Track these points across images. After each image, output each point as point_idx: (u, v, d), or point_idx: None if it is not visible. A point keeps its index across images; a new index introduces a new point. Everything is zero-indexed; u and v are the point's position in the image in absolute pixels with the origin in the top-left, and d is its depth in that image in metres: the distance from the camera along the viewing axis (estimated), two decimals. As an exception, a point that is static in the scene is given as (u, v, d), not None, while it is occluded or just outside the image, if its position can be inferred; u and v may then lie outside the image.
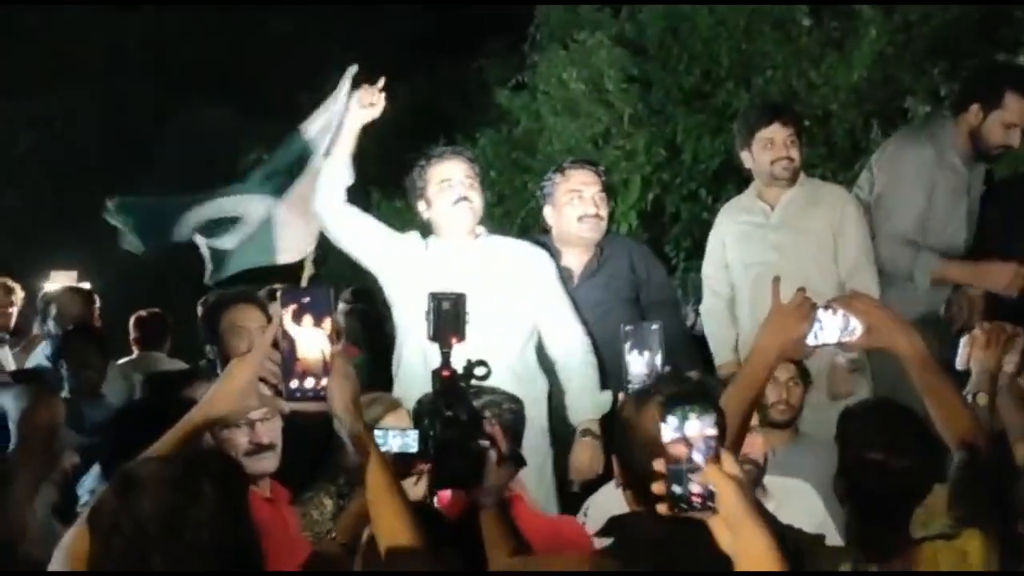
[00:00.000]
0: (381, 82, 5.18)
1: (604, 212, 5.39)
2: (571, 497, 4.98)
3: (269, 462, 3.78)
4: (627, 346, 3.48)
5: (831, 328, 3.18)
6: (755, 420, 4.11)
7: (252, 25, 14.50)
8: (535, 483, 4.92)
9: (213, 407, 2.70)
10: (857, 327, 3.14)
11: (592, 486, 4.78)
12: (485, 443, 2.94)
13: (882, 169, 5.55)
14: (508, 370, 4.95)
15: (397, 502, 2.56)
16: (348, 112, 5.20)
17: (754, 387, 3.09)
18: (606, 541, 2.75)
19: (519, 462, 3.04)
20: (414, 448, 3.04)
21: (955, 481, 3.02)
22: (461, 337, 3.02)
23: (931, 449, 3.11)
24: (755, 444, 4.18)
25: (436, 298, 3.04)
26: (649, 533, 2.65)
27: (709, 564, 2.60)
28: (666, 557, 2.61)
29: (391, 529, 2.54)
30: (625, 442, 2.75)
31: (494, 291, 5.00)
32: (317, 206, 5.28)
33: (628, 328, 3.53)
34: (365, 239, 5.24)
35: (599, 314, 5.29)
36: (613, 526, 2.75)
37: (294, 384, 2.60)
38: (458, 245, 5.15)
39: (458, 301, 3.04)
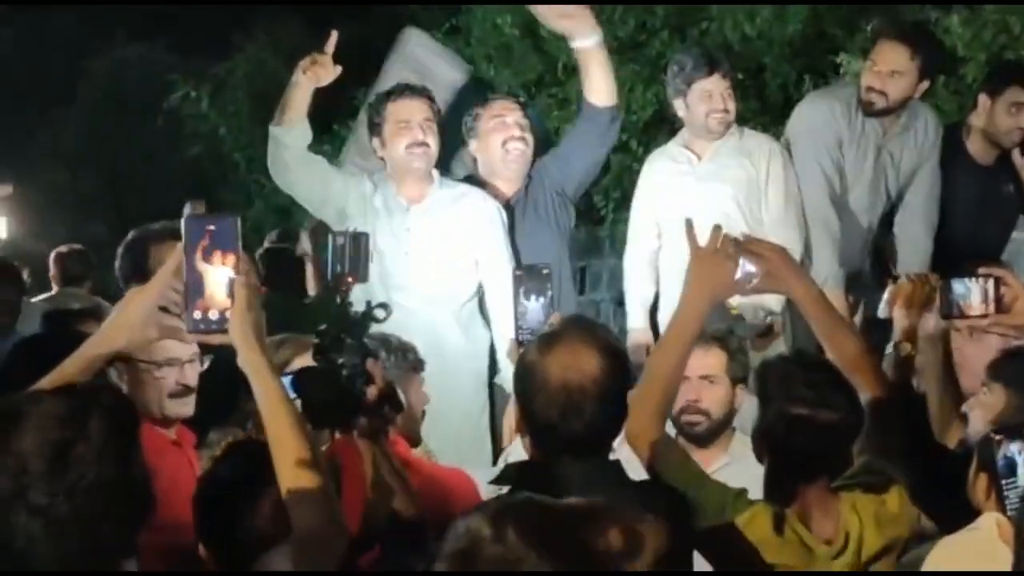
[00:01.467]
0: (332, 39, 4.99)
1: (530, 138, 5.30)
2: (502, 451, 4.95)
3: (189, 406, 3.72)
4: (520, 291, 3.38)
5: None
6: (715, 368, 4.07)
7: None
8: (469, 434, 4.89)
9: (110, 338, 2.61)
10: (754, 271, 3.13)
11: None
12: (363, 380, 2.87)
13: (789, 131, 5.60)
14: (455, 320, 4.92)
15: (299, 441, 2.49)
16: (293, 77, 5.03)
17: (687, 344, 3.05)
18: (503, 489, 2.70)
19: (398, 405, 2.98)
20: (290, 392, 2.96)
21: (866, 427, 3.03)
22: (359, 277, 2.94)
23: (854, 402, 3.09)
24: (714, 395, 4.10)
25: (334, 235, 2.96)
26: (544, 482, 2.60)
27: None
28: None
29: (292, 469, 2.47)
30: (528, 388, 2.69)
31: (442, 240, 4.94)
32: (275, 170, 5.12)
33: (519, 273, 3.44)
34: (324, 188, 5.11)
35: (534, 246, 5.24)
36: (509, 473, 2.71)
37: (197, 315, 2.52)
38: (410, 191, 5.06)
39: (357, 238, 2.96)
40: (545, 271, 3.46)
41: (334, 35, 4.97)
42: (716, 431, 4.17)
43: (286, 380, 2.96)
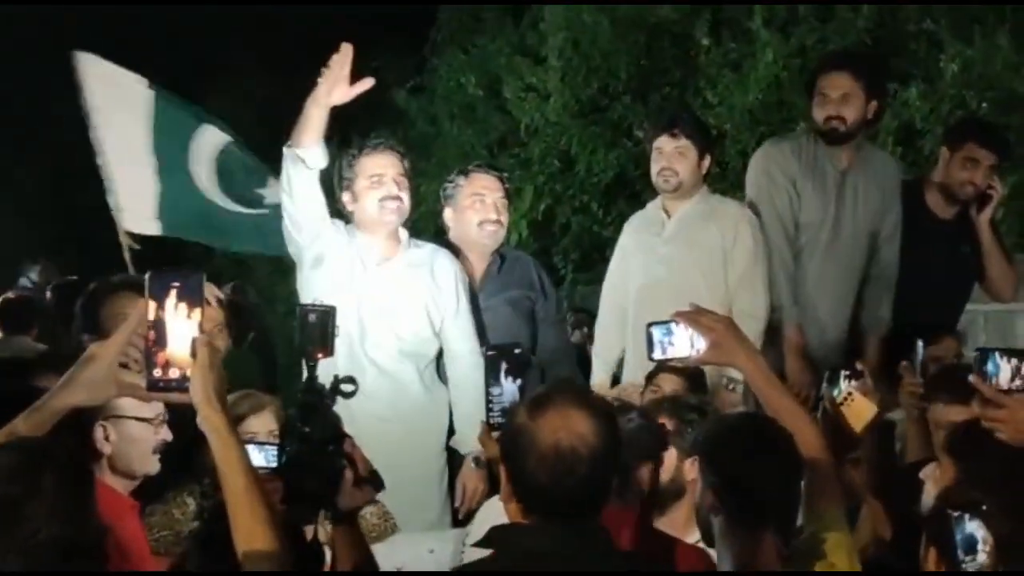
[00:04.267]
0: (348, 53, 4.80)
1: (505, 219, 5.32)
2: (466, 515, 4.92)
3: (157, 464, 3.67)
4: (492, 372, 3.30)
5: (681, 342, 3.19)
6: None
7: (152, 12, 14.29)
8: (429, 494, 4.85)
9: (70, 393, 2.57)
10: (702, 342, 3.16)
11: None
12: (341, 462, 2.85)
13: (748, 177, 5.69)
14: (419, 381, 4.88)
15: (257, 503, 2.47)
16: (313, 94, 4.85)
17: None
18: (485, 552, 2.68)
19: (377, 485, 2.96)
20: (273, 463, 2.93)
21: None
22: (328, 352, 2.92)
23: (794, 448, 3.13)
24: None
25: (304, 310, 2.92)
26: (531, 545, 2.59)
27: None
28: (546, 569, 2.55)
29: (249, 532, 2.45)
30: (518, 451, 2.67)
31: (409, 300, 4.91)
32: (291, 183, 4.96)
33: (491, 353, 3.35)
34: (321, 224, 5.03)
35: (499, 316, 5.23)
36: (493, 536, 2.68)
37: (157, 373, 2.46)
38: (380, 248, 5.03)
39: (326, 314, 2.92)
40: (518, 351, 3.39)
41: (350, 50, 4.79)
42: (666, 499, 4.08)
43: (271, 451, 2.95)
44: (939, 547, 2.80)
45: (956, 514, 2.72)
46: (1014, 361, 3.18)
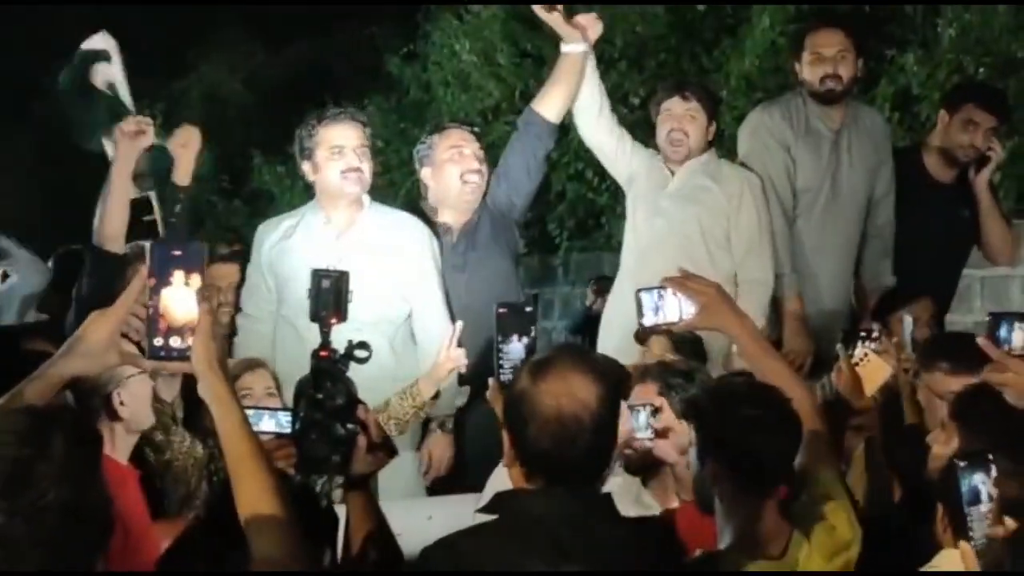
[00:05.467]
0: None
1: (485, 170, 5.28)
2: (433, 482, 4.92)
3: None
4: (502, 330, 3.28)
5: (671, 308, 3.19)
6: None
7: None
8: (403, 461, 4.84)
9: (70, 362, 2.56)
10: (691, 307, 3.15)
11: (441, 480, 4.77)
12: (354, 428, 2.84)
13: (739, 146, 5.67)
14: (388, 348, 4.86)
15: (260, 470, 2.45)
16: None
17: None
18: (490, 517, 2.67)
19: (390, 451, 2.95)
20: (287, 429, 2.94)
21: None
22: (342, 317, 2.90)
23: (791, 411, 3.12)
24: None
25: (317, 275, 2.91)
26: (536, 510, 2.58)
27: (596, 544, 2.56)
28: (551, 534, 2.53)
29: (253, 499, 2.44)
30: (520, 416, 2.65)
31: (375, 265, 4.88)
32: None
33: (502, 310, 3.27)
34: (260, 290, 5.12)
35: (486, 273, 5.21)
36: (498, 502, 2.67)
37: (158, 342, 2.47)
38: (341, 218, 5.02)
39: (340, 279, 2.91)
40: (528, 309, 3.37)
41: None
42: (650, 465, 4.04)
43: (285, 417, 2.95)
44: (944, 499, 2.80)
45: (962, 464, 2.72)
46: None
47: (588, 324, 5.95)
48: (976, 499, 2.70)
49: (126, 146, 4.82)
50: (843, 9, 8.14)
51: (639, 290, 3.25)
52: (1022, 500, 2.69)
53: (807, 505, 3.11)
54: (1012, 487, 2.71)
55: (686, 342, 4.74)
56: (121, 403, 3.62)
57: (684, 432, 3.76)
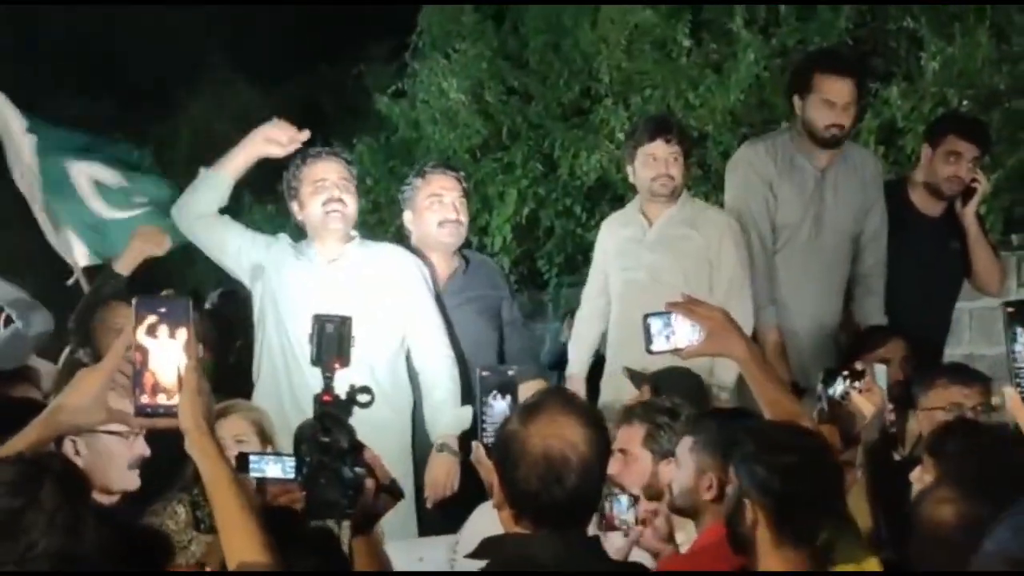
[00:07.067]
0: (305, 134, 5.08)
1: (464, 218, 5.33)
2: (428, 514, 4.91)
3: (138, 479, 3.69)
4: (485, 390, 3.31)
5: (681, 333, 3.21)
6: (629, 443, 4.02)
7: (128, 17, 14.21)
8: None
9: (58, 420, 2.59)
10: (699, 333, 3.18)
11: (446, 503, 4.74)
12: (362, 471, 2.86)
13: (726, 182, 5.69)
14: (374, 384, 4.85)
15: (249, 522, 2.47)
16: (250, 138, 5.10)
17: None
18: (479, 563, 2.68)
19: (397, 494, 2.98)
20: (291, 474, 2.96)
21: None
22: (345, 362, 2.94)
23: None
24: (629, 469, 4.00)
25: (320, 320, 2.94)
26: (527, 554, 2.60)
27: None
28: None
29: (243, 552, 2.45)
30: (508, 457, 2.68)
31: (365, 300, 4.91)
32: (178, 216, 5.17)
33: (485, 373, 3.32)
34: (230, 248, 5.12)
35: (465, 317, 5.25)
36: (487, 547, 2.69)
37: (144, 399, 2.49)
38: (330, 250, 5.06)
39: (343, 324, 2.95)
40: (511, 372, 3.41)
41: (304, 134, 5.08)
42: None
43: (289, 463, 2.96)
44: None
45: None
46: None
47: (564, 360, 6.00)
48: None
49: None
50: (834, 44, 8.20)
51: (647, 315, 3.29)
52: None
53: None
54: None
55: (692, 390, 4.72)
56: (76, 452, 3.51)
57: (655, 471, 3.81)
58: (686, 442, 3.52)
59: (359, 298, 4.86)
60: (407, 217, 5.37)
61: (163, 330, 2.50)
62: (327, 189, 4.99)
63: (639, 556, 3.63)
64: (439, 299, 5.20)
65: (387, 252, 5.18)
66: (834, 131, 5.47)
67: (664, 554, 3.63)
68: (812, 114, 5.47)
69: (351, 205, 5.05)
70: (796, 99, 5.53)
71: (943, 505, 2.76)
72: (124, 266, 5.54)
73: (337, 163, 5.08)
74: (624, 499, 3.60)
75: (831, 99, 5.43)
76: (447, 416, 4.95)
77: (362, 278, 5.00)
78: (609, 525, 3.45)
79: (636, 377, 4.78)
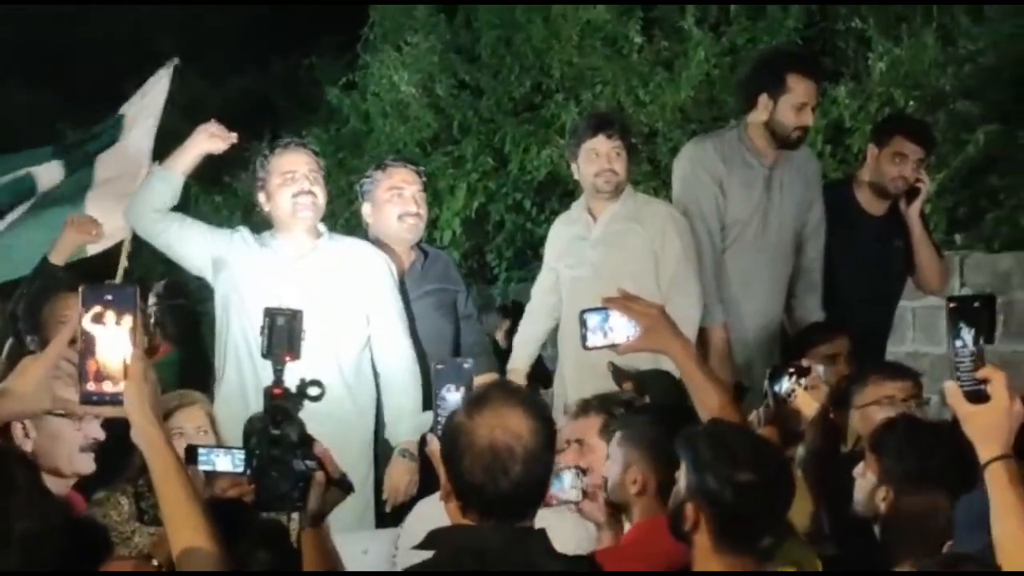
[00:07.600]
0: (234, 136, 5.10)
1: (424, 211, 5.33)
2: (386, 516, 4.91)
3: (92, 462, 3.63)
4: (441, 382, 3.32)
5: (619, 329, 3.23)
6: (586, 432, 4.00)
7: (76, 13, 14.10)
8: (353, 499, 4.84)
9: (3, 405, 2.58)
10: (635, 329, 3.20)
11: (405, 507, 4.74)
12: (312, 464, 2.86)
13: (673, 178, 5.72)
14: (340, 379, 4.86)
15: (194, 513, 2.47)
16: (195, 136, 5.09)
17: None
18: (426, 554, 2.69)
19: (347, 487, 2.97)
20: (241, 468, 2.95)
21: None
22: (295, 355, 2.93)
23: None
24: (587, 459, 3.97)
25: (271, 313, 2.93)
26: (473, 545, 2.61)
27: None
28: (488, 569, 2.56)
29: (187, 541, 2.45)
30: (455, 449, 2.69)
31: (334, 294, 4.90)
32: (133, 215, 5.13)
33: (440, 366, 3.33)
34: (188, 243, 5.07)
35: (423, 311, 5.25)
36: (434, 539, 2.70)
37: (90, 387, 2.47)
38: (298, 242, 5.03)
39: (294, 318, 2.94)
40: (466, 365, 3.41)
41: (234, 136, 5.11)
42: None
43: (239, 456, 2.95)
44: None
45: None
46: None
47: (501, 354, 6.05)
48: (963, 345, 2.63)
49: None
50: (783, 43, 8.27)
51: (584, 311, 3.30)
52: None
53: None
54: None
55: (665, 381, 4.68)
56: (25, 435, 3.49)
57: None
58: (616, 437, 3.53)
59: (328, 292, 4.86)
60: (366, 210, 5.36)
61: (110, 317, 2.48)
62: (297, 181, 4.97)
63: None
64: (403, 295, 5.20)
65: (357, 248, 5.16)
66: (800, 133, 5.52)
67: (605, 528, 3.65)
68: (783, 115, 5.45)
69: (320, 197, 5.03)
70: (764, 98, 5.46)
71: (884, 500, 2.79)
72: (58, 256, 5.50)
73: (306, 154, 5.06)
74: (567, 475, 3.59)
75: (804, 101, 5.45)
76: (407, 422, 4.94)
77: (331, 272, 4.98)
78: (546, 503, 3.46)
79: (618, 373, 4.78)
